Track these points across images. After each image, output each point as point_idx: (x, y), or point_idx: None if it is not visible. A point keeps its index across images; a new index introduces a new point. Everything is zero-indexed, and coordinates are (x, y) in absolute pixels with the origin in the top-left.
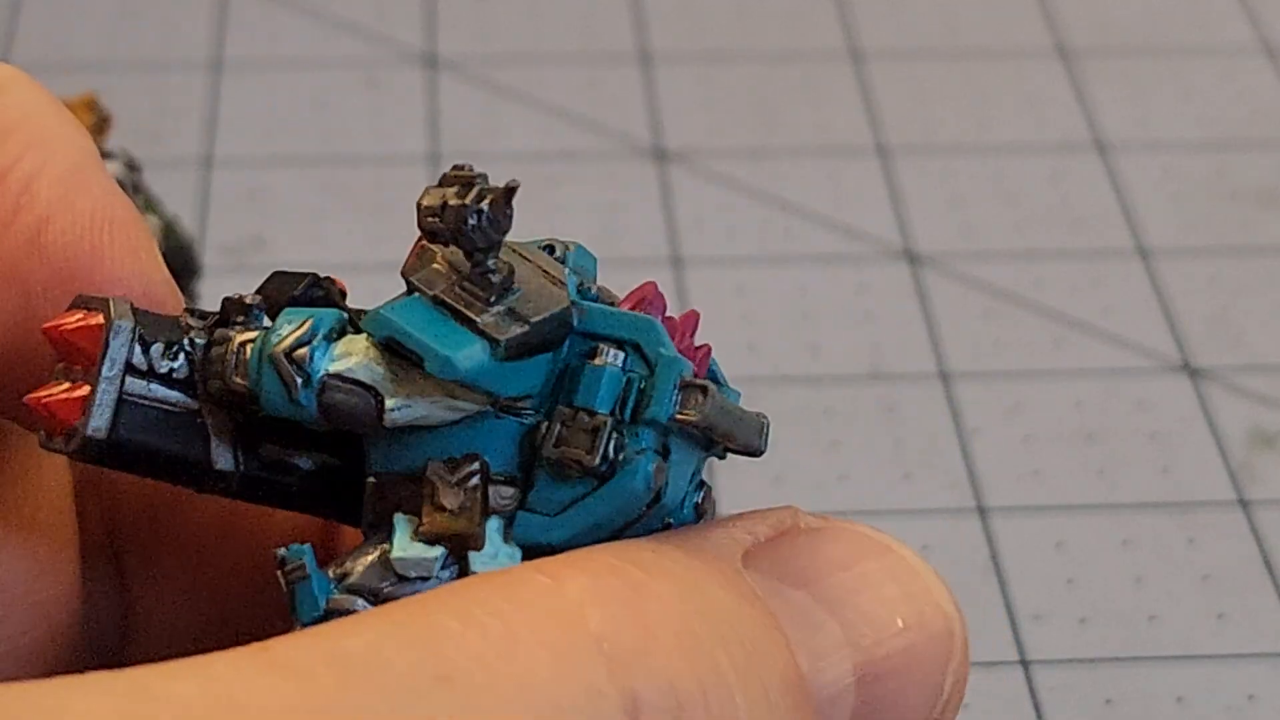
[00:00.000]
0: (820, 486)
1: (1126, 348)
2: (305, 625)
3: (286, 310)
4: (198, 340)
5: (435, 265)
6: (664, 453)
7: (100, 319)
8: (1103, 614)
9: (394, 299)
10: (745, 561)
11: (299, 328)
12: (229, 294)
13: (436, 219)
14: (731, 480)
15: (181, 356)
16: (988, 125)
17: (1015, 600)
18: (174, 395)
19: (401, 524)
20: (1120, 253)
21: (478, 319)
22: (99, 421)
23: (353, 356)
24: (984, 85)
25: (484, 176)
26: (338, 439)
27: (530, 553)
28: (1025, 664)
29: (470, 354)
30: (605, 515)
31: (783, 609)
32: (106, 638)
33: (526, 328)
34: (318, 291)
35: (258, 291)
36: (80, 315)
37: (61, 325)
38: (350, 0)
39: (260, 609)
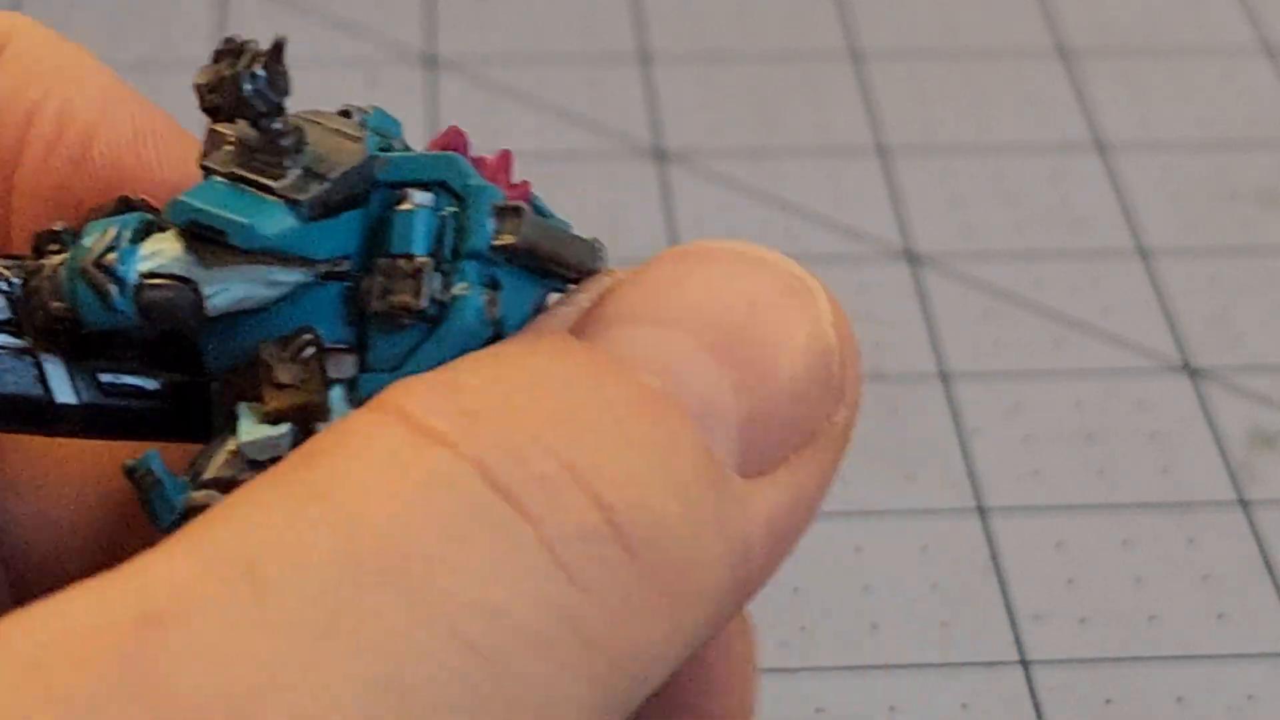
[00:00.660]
0: None
1: (1126, 348)
2: (167, 530)
3: (89, 224)
4: (14, 279)
5: (227, 146)
6: (494, 285)
7: None
8: (1103, 614)
9: (192, 188)
10: (577, 330)
11: (103, 235)
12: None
13: (215, 94)
14: None
15: (0, 298)
16: (988, 125)
17: (1015, 600)
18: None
19: (245, 411)
20: (1120, 253)
21: (274, 184)
22: None
23: (162, 253)
24: (984, 85)
25: (254, 42)
26: (181, 355)
27: None
28: (1025, 664)
29: (274, 219)
30: (446, 358)
31: (630, 347)
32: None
33: (327, 184)
34: (124, 208)
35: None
36: None
37: None
38: (350, 0)
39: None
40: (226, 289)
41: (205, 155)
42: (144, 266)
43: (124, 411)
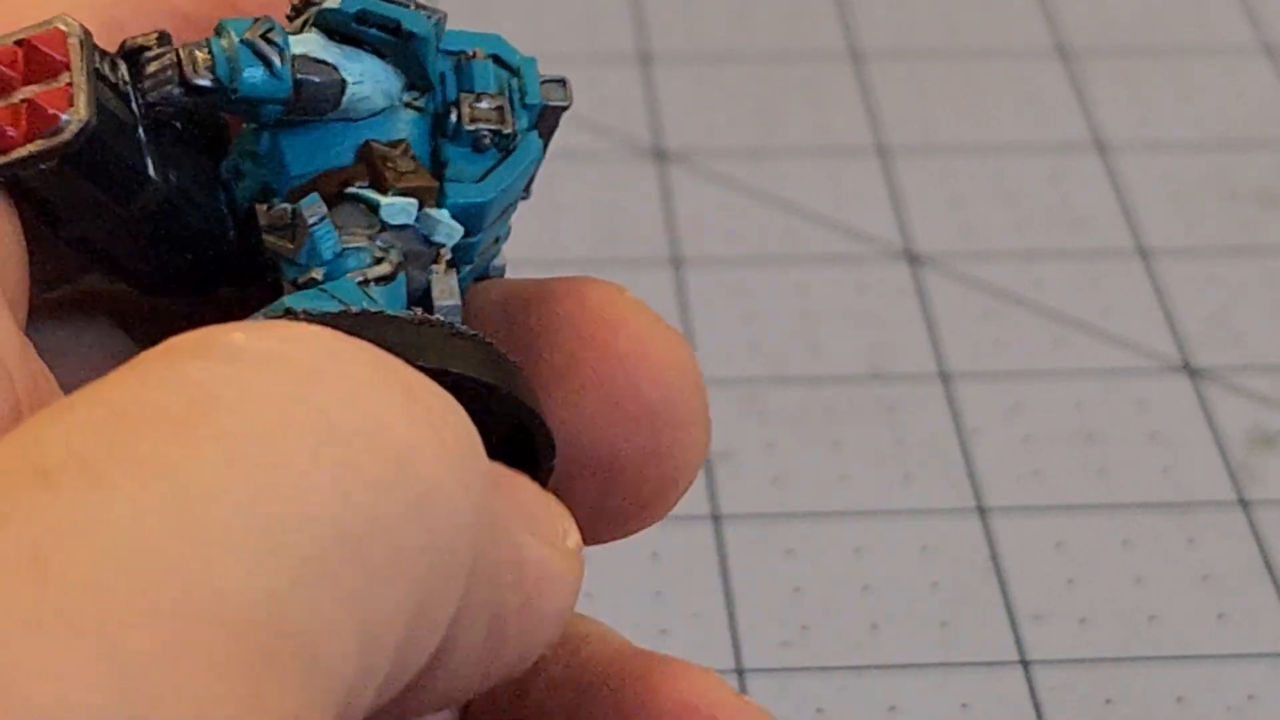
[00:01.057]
0: (820, 486)
1: (1126, 348)
2: (326, 265)
3: (223, 21)
4: (119, 64)
5: None
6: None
7: (61, 28)
8: (1103, 614)
9: None
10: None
11: (256, 22)
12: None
13: None
14: (732, 481)
15: (121, 68)
16: (988, 125)
17: (1015, 600)
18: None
19: (367, 191)
20: (1120, 253)
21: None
22: (88, 111)
23: (308, 42)
24: (984, 85)
25: None
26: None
27: (461, 214)
28: (1025, 664)
29: (424, 21)
30: (512, 181)
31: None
32: None
33: (439, 15)
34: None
35: None
36: (37, 35)
37: (30, 36)
38: None
39: None
40: (361, 83)
41: None
42: (298, 50)
43: (191, 210)
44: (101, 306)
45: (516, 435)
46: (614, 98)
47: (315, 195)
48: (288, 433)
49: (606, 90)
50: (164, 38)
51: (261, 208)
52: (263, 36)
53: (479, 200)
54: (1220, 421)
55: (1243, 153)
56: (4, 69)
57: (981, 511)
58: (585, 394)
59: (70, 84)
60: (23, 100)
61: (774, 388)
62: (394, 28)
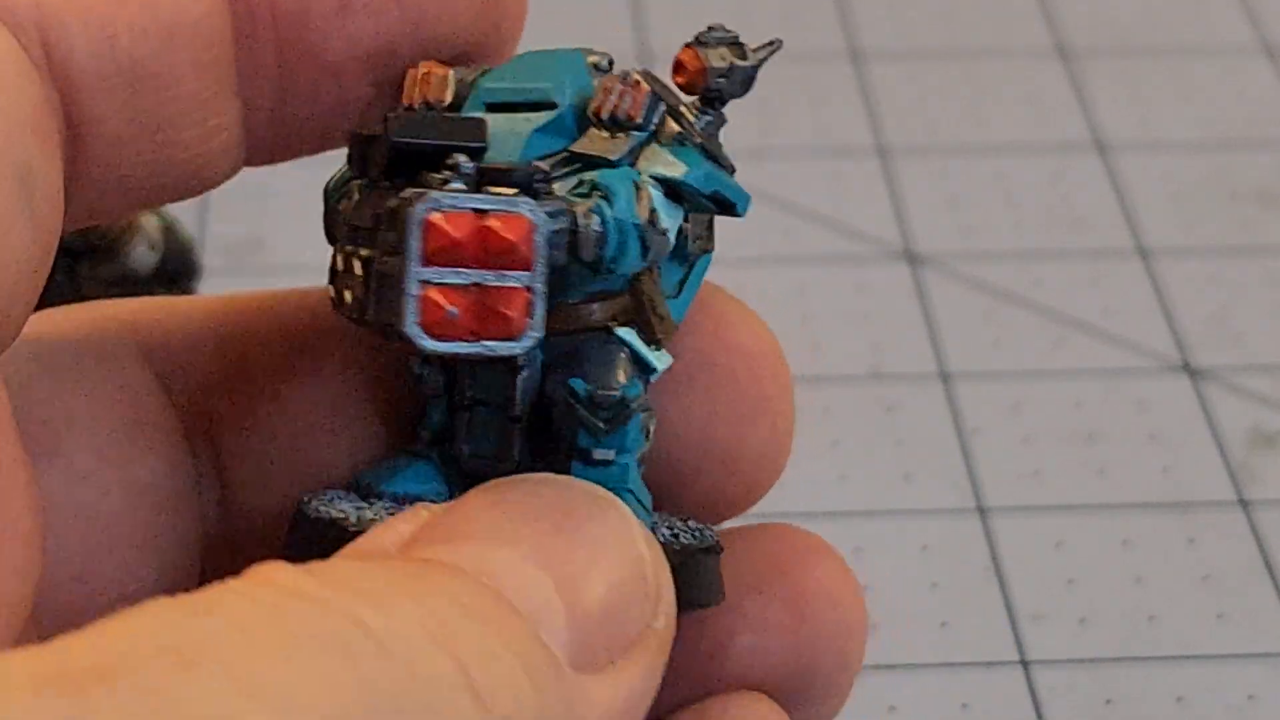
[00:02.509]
0: (820, 486)
1: (1126, 348)
2: (625, 453)
3: (602, 174)
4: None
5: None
6: None
7: (528, 217)
8: (1103, 614)
9: (664, 150)
10: (407, 553)
11: (639, 193)
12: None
13: (724, 79)
14: None
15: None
16: (988, 125)
17: (1015, 600)
18: None
19: (639, 344)
20: (1120, 253)
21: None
22: (543, 329)
23: (659, 205)
24: (984, 85)
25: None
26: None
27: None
28: (1025, 664)
29: (746, 199)
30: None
31: (458, 561)
32: (207, 511)
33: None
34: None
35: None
36: (504, 219)
37: (491, 225)
38: None
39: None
40: (668, 237)
41: (684, 130)
42: (664, 224)
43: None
44: (114, 325)
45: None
46: None
47: (647, 402)
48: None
49: None
50: (540, 173)
51: (588, 388)
52: (653, 218)
53: (678, 319)
54: (1220, 421)
55: (1243, 153)
56: (458, 238)
57: (981, 511)
58: (717, 391)
59: (531, 290)
60: (473, 284)
61: None
62: (727, 204)
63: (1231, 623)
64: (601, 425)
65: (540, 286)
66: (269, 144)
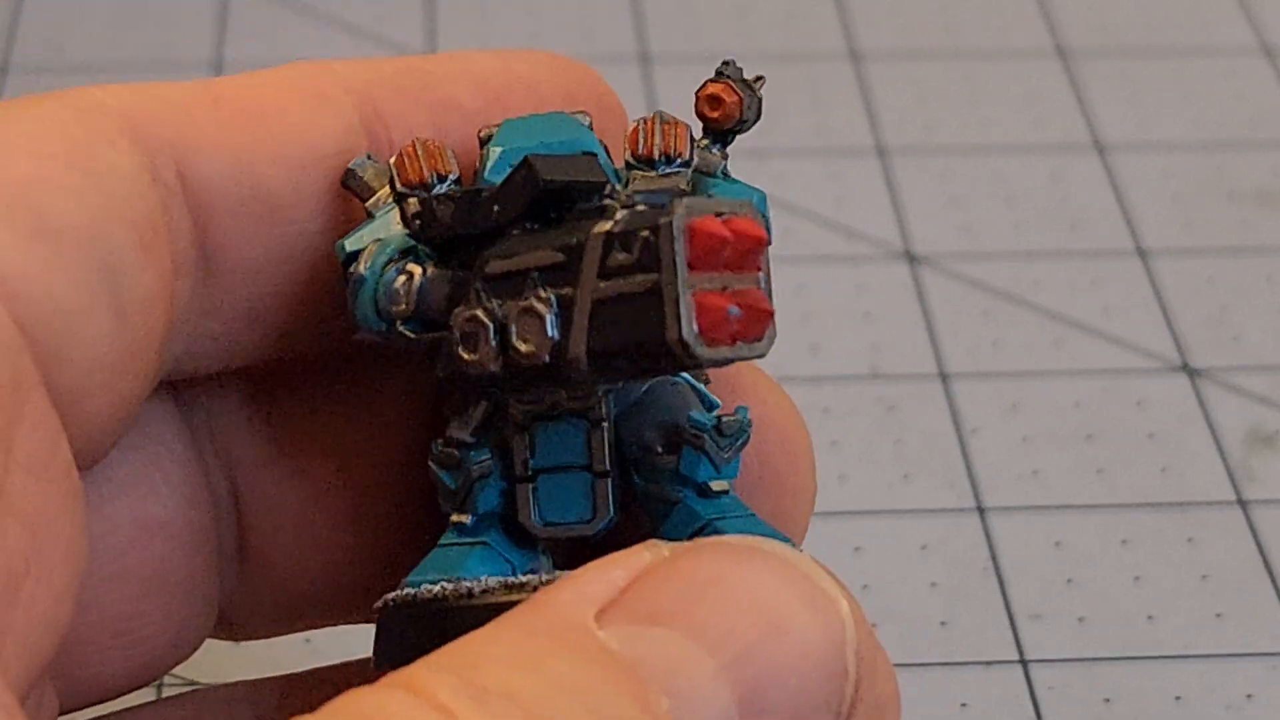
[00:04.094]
0: (820, 486)
1: (1126, 348)
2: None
3: (720, 188)
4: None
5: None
6: None
7: (761, 217)
8: (1102, 613)
9: (706, 179)
10: (603, 617)
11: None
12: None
13: (750, 111)
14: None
15: None
16: (988, 125)
17: (1014, 600)
18: None
19: (686, 375)
20: (1120, 253)
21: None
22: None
23: None
24: (984, 85)
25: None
26: None
27: None
28: (1024, 663)
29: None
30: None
31: (649, 654)
32: (226, 553)
33: None
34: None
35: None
36: (742, 219)
37: (740, 226)
38: (350, 1)
39: (387, 518)
40: None
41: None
42: None
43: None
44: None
45: None
46: None
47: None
48: None
49: None
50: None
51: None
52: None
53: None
54: (1219, 421)
55: (1242, 153)
56: (725, 237)
57: (980, 511)
58: (750, 463)
59: (764, 290)
60: (726, 288)
61: None
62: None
63: (1230, 622)
64: (726, 454)
65: (770, 286)
66: None
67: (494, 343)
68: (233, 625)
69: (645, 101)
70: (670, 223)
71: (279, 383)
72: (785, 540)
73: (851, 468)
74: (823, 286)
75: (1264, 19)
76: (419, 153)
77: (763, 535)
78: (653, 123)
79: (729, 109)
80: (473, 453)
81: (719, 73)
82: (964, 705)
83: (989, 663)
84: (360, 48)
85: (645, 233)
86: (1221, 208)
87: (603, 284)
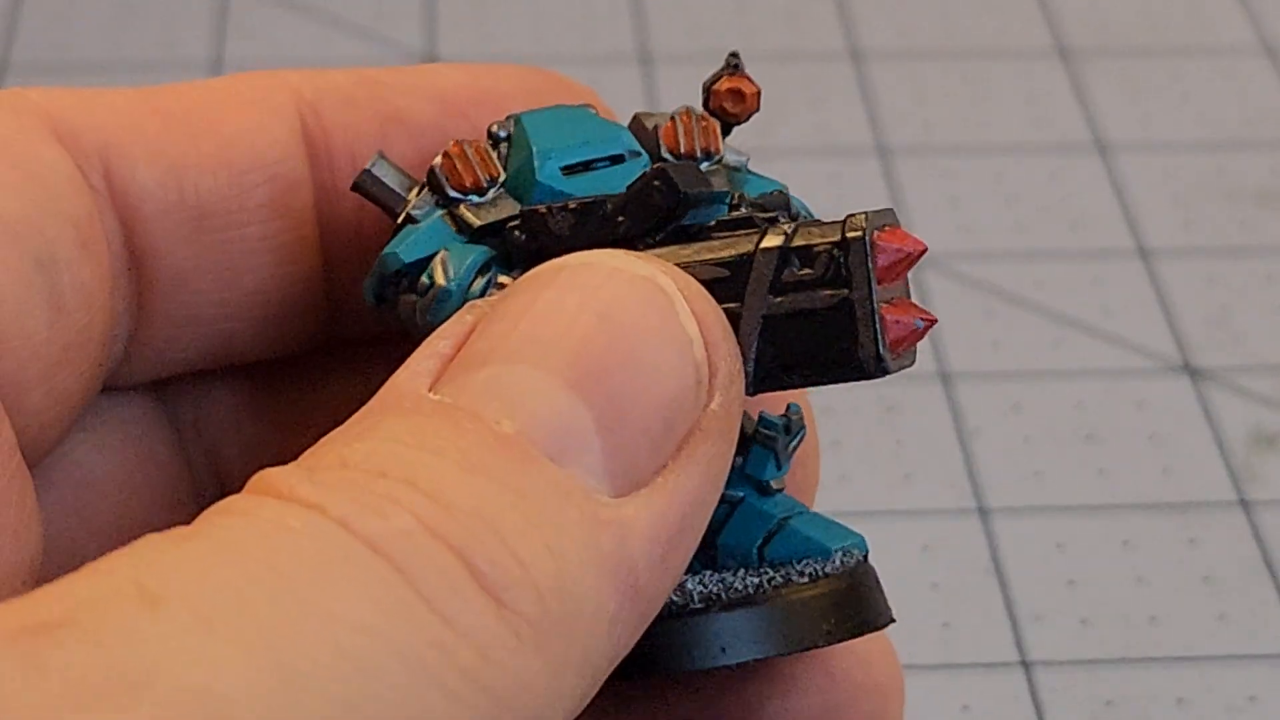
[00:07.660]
0: (820, 486)
1: (1126, 348)
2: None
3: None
4: None
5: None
6: None
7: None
8: (1103, 615)
9: (736, 175)
10: (438, 384)
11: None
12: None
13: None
14: None
15: None
16: (988, 125)
17: (1016, 601)
18: None
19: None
20: (1120, 253)
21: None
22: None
23: None
24: (984, 85)
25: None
26: None
27: None
28: (1026, 665)
29: None
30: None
31: (482, 392)
32: None
33: None
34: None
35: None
36: (898, 230)
37: (904, 239)
38: (350, 1)
39: None
40: None
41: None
42: None
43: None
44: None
45: None
46: (614, 98)
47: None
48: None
49: (607, 91)
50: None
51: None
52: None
53: None
54: (1221, 422)
55: (1242, 153)
56: (908, 250)
57: (982, 512)
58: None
59: (909, 299)
60: (892, 300)
61: None
62: None
63: (1232, 623)
64: (789, 452)
65: (907, 290)
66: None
67: None
68: None
69: (645, 101)
70: (861, 238)
71: (268, 382)
72: (858, 538)
73: (852, 468)
74: None
75: (1264, 19)
76: (469, 155)
77: (833, 531)
78: (689, 120)
79: (751, 102)
80: None
81: (732, 65)
82: (965, 707)
83: (991, 664)
84: (360, 47)
85: (827, 247)
86: (1222, 207)
87: (776, 299)
